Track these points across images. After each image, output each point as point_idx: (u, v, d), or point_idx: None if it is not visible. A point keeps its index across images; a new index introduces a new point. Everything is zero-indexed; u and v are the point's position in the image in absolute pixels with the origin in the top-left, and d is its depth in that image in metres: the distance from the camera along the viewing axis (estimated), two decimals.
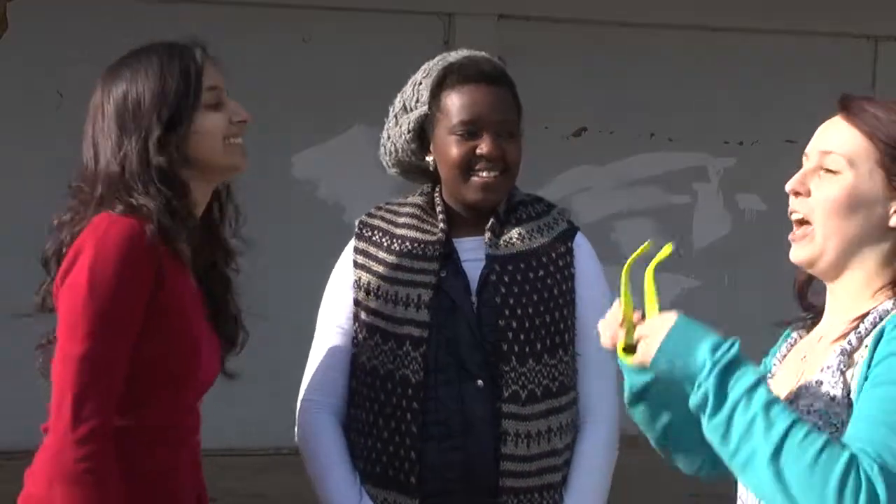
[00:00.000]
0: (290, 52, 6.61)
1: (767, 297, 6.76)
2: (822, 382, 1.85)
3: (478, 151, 2.56)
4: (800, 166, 2.02)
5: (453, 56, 2.65)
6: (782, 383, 2.00)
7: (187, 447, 2.41)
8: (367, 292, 2.62)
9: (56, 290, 2.26)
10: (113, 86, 2.32)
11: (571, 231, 2.69)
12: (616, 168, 7.18)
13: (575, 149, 7.05)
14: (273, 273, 6.57)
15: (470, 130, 2.56)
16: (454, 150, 2.57)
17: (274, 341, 6.58)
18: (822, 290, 2.01)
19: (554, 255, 2.63)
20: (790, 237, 1.97)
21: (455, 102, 2.58)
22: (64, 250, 2.28)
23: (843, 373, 1.83)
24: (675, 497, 6.22)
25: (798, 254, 1.94)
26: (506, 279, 2.57)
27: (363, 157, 6.84)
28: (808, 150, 1.96)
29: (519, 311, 2.56)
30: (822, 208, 1.89)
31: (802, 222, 1.93)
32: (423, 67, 2.67)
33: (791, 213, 1.95)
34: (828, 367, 1.85)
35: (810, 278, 2.04)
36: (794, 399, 1.88)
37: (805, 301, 2.09)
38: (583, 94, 6.89)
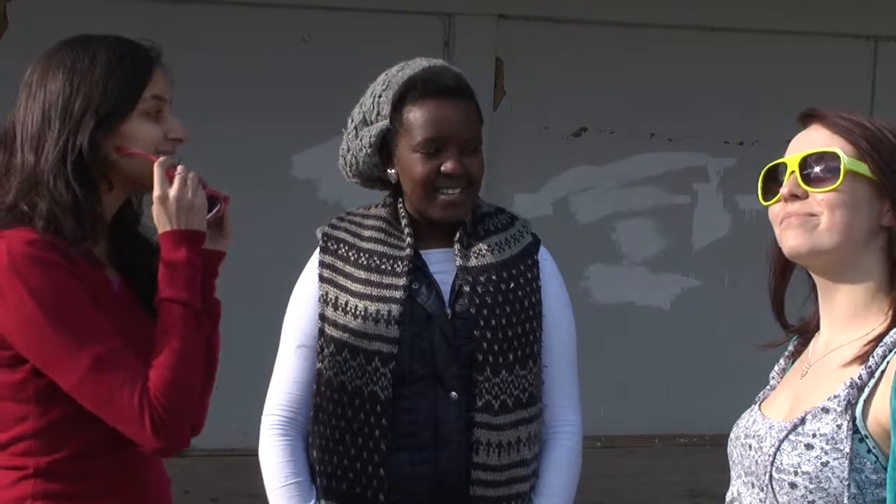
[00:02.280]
0: (290, 52, 6.62)
1: (767, 296, 6.76)
2: (828, 410, 1.87)
3: (442, 169, 2.53)
4: None
5: (413, 67, 2.60)
6: (783, 400, 2.01)
7: (129, 468, 2.30)
8: (335, 307, 2.59)
9: None
10: (50, 71, 2.23)
11: (535, 244, 2.68)
12: (616, 168, 7.18)
13: (575, 149, 7.05)
14: (272, 273, 6.57)
15: (434, 148, 2.54)
16: (418, 169, 2.54)
17: (274, 341, 6.58)
18: (806, 304, 2.04)
19: (522, 267, 2.62)
20: (784, 226, 1.98)
21: (418, 119, 2.54)
22: None
23: (851, 404, 1.85)
24: (675, 497, 6.23)
25: (800, 242, 1.95)
26: (479, 290, 2.56)
27: None
28: (789, 159, 1.98)
29: (493, 322, 2.55)
30: (828, 204, 1.93)
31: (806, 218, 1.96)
32: (381, 78, 2.63)
33: (790, 216, 1.96)
34: (835, 397, 1.88)
35: (785, 289, 2.07)
36: (800, 422, 1.89)
37: (783, 317, 2.11)
38: (583, 94, 6.89)
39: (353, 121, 2.67)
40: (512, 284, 2.59)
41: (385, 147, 2.61)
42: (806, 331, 2.08)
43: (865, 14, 7.19)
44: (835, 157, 1.93)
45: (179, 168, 2.23)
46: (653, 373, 6.98)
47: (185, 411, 2.18)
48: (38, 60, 2.28)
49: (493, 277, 2.58)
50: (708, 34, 7.15)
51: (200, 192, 2.23)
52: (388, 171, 2.62)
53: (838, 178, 1.92)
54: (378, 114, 2.59)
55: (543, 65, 6.82)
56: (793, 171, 1.96)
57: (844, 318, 1.96)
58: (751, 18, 7.09)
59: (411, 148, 2.55)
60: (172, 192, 2.19)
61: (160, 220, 2.21)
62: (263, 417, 2.67)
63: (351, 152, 2.67)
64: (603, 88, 6.95)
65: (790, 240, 1.95)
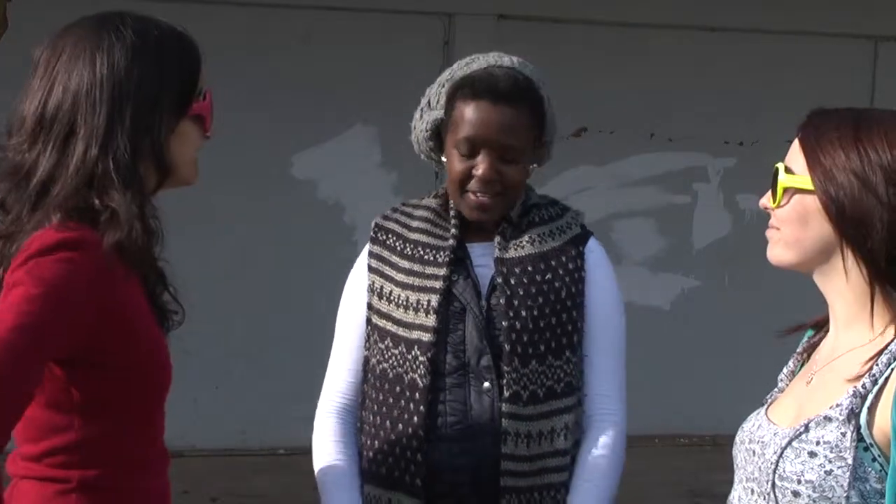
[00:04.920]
0: (290, 52, 6.61)
1: (767, 297, 6.77)
2: (831, 419, 1.87)
3: (473, 172, 2.57)
4: None
5: (479, 62, 2.63)
6: (788, 406, 2.01)
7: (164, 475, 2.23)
8: (380, 296, 2.65)
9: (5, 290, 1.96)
10: (103, 48, 2.04)
11: (584, 235, 2.69)
12: (616, 168, 7.17)
13: (575, 149, 7.05)
14: (272, 273, 6.57)
15: (470, 149, 2.57)
16: (454, 166, 2.60)
17: (273, 342, 6.58)
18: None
19: (564, 258, 2.63)
20: (766, 233, 2.03)
21: (462, 116, 2.58)
22: (12, 249, 2.01)
23: (854, 413, 1.85)
24: (675, 497, 6.23)
25: (769, 253, 2.02)
26: (512, 281, 2.59)
27: (363, 157, 6.85)
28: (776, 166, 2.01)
29: (523, 313, 2.57)
30: (780, 219, 1.98)
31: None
32: (454, 66, 2.66)
33: (768, 226, 2.02)
34: (837, 406, 1.88)
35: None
36: (804, 429, 1.89)
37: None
38: (583, 94, 6.89)
39: (422, 101, 2.71)
40: (549, 275, 2.61)
41: (439, 136, 2.66)
42: (820, 327, 2.08)
43: (865, 14, 7.19)
44: (790, 179, 1.95)
45: None
46: (653, 373, 6.97)
47: None
48: (69, 34, 2.08)
49: (530, 268, 2.61)
50: (708, 34, 7.15)
51: None
52: (442, 158, 2.67)
53: (779, 195, 1.97)
54: (438, 101, 2.64)
55: (543, 65, 6.79)
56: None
57: (844, 320, 1.97)
58: (751, 18, 7.09)
59: (453, 144, 2.60)
60: None
61: None
62: (319, 404, 2.73)
63: (415, 132, 2.71)
64: (603, 88, 6.94)
65: (767, 251, 2.02)
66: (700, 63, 7.13)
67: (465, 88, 2.59)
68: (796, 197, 1.95)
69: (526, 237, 2.64)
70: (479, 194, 2.59)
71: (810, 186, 1.92)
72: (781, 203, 1.96)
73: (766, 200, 2.01)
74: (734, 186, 7.25)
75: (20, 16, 5.61)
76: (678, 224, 7.26)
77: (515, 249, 2.63)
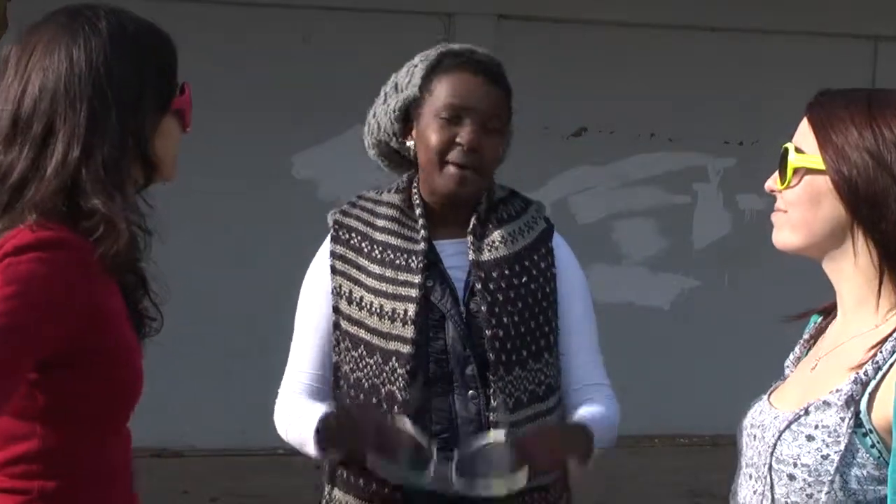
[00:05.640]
0: (290, 52, 6.62)
1: (767, 296, 6.77)
2: (830, 404, 1.86)
3: (457, 139, 2.52)
4: None
5: (454, 46, 2.62)
6: (792, 392, 2.00)
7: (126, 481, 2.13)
8: (349, 301, 2.58)
9: None
10: (80, 43, 1.94)
11: (549, 230, 2.67)
12: (616, 168, 7.18)
13: (575, 149, 7.05)
14: (272, 273, 6.57)
15: (454, 116, 2.52)
16: (435, 135, 2.53)
17: (273, 342, 6.58)
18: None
19: (536, 256, 2.61)
20: (772, 217, 2.00)
21: (445, 85, 2.53)
22: None
23: (854, 400, 1.84)
24: (675, 497, 6.23)
25: (775, 238, 1.97)
26: (491, 286, 2.54)
27: (363, 157, 6.84)
28: (784, 147, 1.99)
29: (505, 320, 2.53)
30: (789, 201, 1.93)
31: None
32: (421, 53, 2.63)
33: (775, 210, 1.98)
34: (837, 391, 1.86)
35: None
36: (803, 413, 1.89)
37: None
38: (583, 94, 6.89)
39: (384, 88, 2.65)
40: (525, 278, 2.57)
41: (408, 119, 2.59)
42: (828, 313, 2.06)
43: (865, 14, 7.19)
44: (800, 159, 1.92)
45: None
46: (653, 373, 6.98)
47: None
48: (46, 37, 1.97)
49: (507, 272, 2.56)
50: (708, 34, 7.15)
51: None
52: (406, 143, 2.60)
53: (788, 175, 1.92)
54: (410, 81, 2.58)
55: (543, 65, 6.82)
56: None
57: (851, 305, 1.93)
58: (751, 18, 7.09)
59: (433, 113, 2.54)
60: None
61: None
62: (277, 402, 2.66)
63: (376, 118, 2.64)
64: (603, 88, 6.94)
65: (773, 235, 1.97)
66: (700, 63, 7.13)
67: (446, 61, 2.56)
68: (807, 178, 1.90)
69: (497, 235, 2.58)
70: (460, 166, 2.52)
71: (821, 166, 1.87)
72: (791, 184, 1.91)
73: (772, 182, 1.95)
74: (734, 186, 7.25)
75: (20, 16, 5.60)
76: (678, 224, 7.26)
77: (490, 251, 2.57)
